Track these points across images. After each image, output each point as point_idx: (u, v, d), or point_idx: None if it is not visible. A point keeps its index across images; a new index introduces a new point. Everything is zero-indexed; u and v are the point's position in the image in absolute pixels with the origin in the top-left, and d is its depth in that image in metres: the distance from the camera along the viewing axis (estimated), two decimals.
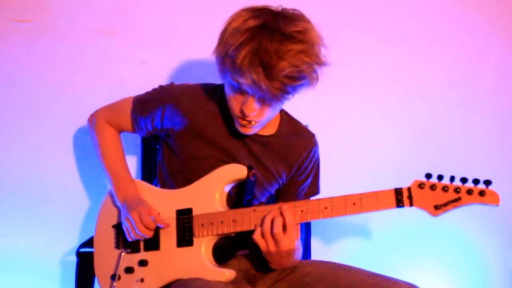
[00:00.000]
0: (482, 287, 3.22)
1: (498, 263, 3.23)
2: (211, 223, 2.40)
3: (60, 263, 3.17)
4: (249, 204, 2.45)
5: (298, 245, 2.38)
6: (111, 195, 2.62)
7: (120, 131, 2.70)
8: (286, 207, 2.30)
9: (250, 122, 2.39)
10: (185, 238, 2.44)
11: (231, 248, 2.51)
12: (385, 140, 3.24)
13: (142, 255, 2.50)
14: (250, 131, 2.44)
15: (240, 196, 2.46)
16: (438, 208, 2.15)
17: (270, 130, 2.57)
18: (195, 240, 2.42)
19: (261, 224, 2.31)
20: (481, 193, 2.11)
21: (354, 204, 2.24)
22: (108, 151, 2.66)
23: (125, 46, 3.19)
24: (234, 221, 2.38)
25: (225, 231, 2.39)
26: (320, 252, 3.00)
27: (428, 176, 2.17)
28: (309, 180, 2.65)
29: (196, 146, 2.52)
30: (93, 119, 2.72)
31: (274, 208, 2.32)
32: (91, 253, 2.64)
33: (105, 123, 2.68)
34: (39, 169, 3.17)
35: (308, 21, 2.32)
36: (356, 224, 3.18)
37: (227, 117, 2.50)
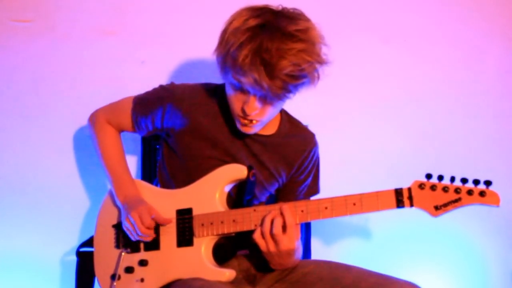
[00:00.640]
0: (482, 287, 3.22)
1: (498, 263, 3.23)
2: (211, 223, 2.40)
3: (60, 263, 3.17)
4: (249, 204, 2.45)
5: (298, 245, 2.38)
6: (111, 195, 2.62)
7: (120, 131, 2.70)
8: (286, 207, 2.30)
9: (251, 121, 2.39)
10: (185, 238, 2.44)
11: (231, 248, 2.52)
12: (385, 140, 3.24)
13: (142, 255, 2.50)
14: (251, 130, 2.44)
15: (240, 196, 2.46)
16: (439, 208, 2.15)
17: (270, 130, 2.57)
18: (195, 240, 2.42)
19: (261, 224, 2.31)
20: (482, 193, 2.11)
21: (354, 204, 2.24)
22: (108, 151, 2.66)
23: (125, 46, 3.19)
24: (234, 221, 2.38)
25: (225, 231, 2.38)
26: (320, 252, 3.00)
27: (429, 176, 2.17)
28: (309, 180, 2.65)
29: (197, 146, 2.52)
30: (93, 119, 2.71)
31: (274, 208, 2.32)
32: (91, 253, 2.64)
33: (105, 123, 2.68)
34: (39, 169, 3.18)
35: (308, 20, 2.32)
36: (356, 224, 3.18)
37: (228, 117, 2.50)
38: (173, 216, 2.47)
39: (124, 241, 2.53)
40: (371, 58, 3.24)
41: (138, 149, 3.00)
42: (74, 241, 3.11)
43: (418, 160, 3.18)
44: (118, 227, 2.57)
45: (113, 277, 2.51)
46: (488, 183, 2.11)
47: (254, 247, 2.38)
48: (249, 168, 2.41)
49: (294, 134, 2.61)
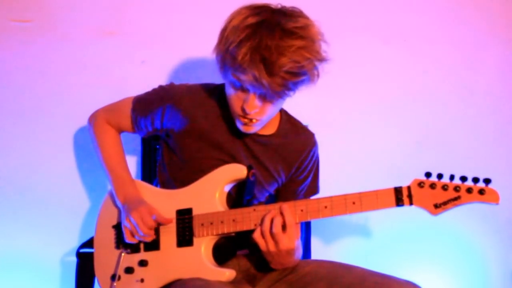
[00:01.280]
0: (482, 287, 3.22)
1: (498, 263, 3.23)
2: (211, 223, 2.40)
3: (60, 264, 3.17)
4: (249, 203, 2.45)
5: (298, 244, 2.39)
6: (111, 195, 2.62)
7: (120, 131, 2.70)
8: (286, 206, 2.30)
9: (251, 120, 2.39)
10: (185, 238, 2.44)
11: (231, 248, 2.51)
12: (385, 140, 3.24)
13: (142, 255, 2.50)
14: (251, 129, 2.44)
15: (240, 196, 2.46)
16: (438, 206, 2.15)
17: (270, 130, 2.57)
18: (195, 240, 2.42)
19: (261, 224, 2.30)
20: (481, 191, 2.11)
21: (354, 203, 2.24)
22: (108, 152, 2.66)
23: (125, 46, 3.20)
24: (234, 220, 2.37)
25: (225, 231, 2.38)
26: (320, 251, 3.00)
27: (428, 175, 2.17)
28: (309, 179, 2.65)
29: (196, 146, 2.52)
30: (93, 119, 2.71)
31: (274, 208, 2.32)
32: (91, 254, 2.64)
33: (105, 123, 2.68)
34: (39, 169, 3.18)
35: (307, 17, 2.32)
36: (356, 224, 3.18)
37: (227, 117, 2.50)
38: (173, 216, 2.47)
39: (124, 242, 2.52)
40: (371, 58, 3.25)
41: (138, 149, 3.01)
42: (74, 241, 3.11)
43: (418, 160, 3.18)
44: (118, 227, 2.57)
45: (113, 277, 2.51)
46: (487, 181, 2.11)
47: (254, 247, 2.38)
48: (249, 168, 2.41)
49: (294, 134, 2.61)
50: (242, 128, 2.43)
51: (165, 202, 2.51)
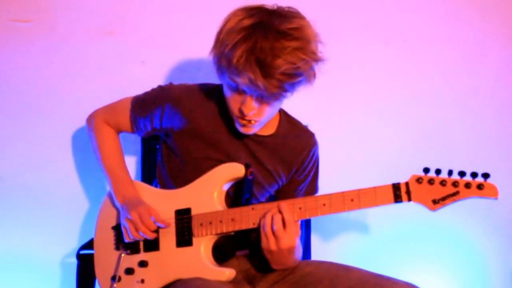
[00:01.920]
0: (482, 287, 3.21)
1: (498, 263, 3.22)
2: (210, 223, 2.40)
3: (61, 265, 3.17)
4: (248, 203, 2.44)
5: (298, 243, 2.38)
6: (110, 196, 2.62)
7: (119, 131, 2.70)
8: (284, 204, 2.30)
9: (249, 121, 2.38)
10: (184, 238, 2.44)
11: (231, 247, 2.51)
12: (385, 140, 3.24)
13: (142, 256, 2.50)
14: (250, 130, 2.44)
15: (238, 195, 2.45)
16: (437, 202, 2.14)
17: (269, 130, 2.57)
18: (195, 240, 2.42)
19: (261, 222, 2.30)
20: (480, 186, 2.10)
21: (352, 200, 2.24)
22: (107, 152, 2.67)
23: (125, 46, 3.20)
24: (233, 219, 2.37)
25: (224, 230, 2.38)
26: (320, 251, 2.99)
27: (426, 170, 2.17)
28: (308, 179, 2.65)
29: (195, 146, 2.52)
30: (92, 119, 2.72)
31: (272, 206, 2.32)
32: (92, 255, 2.64)
33: (104, 124, 2.68)
34: (39, 170, 3.18)
35: (303, 18, 2.32)
36: (356, 225, 3.18)
37: (226, 117, 2.50)
38: (172, 216, 2.47)
39: (124, 243, 2.53)
40: (371, 58, 3.24)
41: (137, 149, 3.01)
42: (74, 242, 3.11)
43: (417, 159, 3.12)
44: (117, 228, 2.57)
45: (114, 278, 2.51)
46: (486, 175, 2.10)
47: (254, 247, 2.38)
48: (247, 167, 2.40)
49: (293, 134, 2.61)
50: (241, 129, 2.44)
51: (164, 202, 2.51)
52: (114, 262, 2.55)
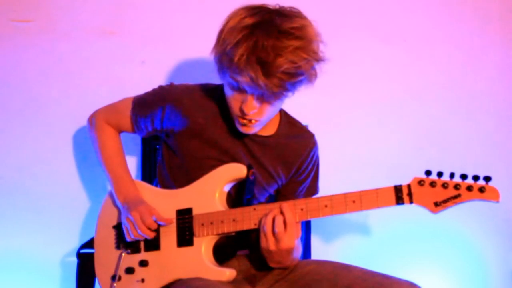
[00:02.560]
0: (482, 287, 3.22)
1: (498, 263, 3.23)
2: (211, 223, 2.40)
3: (61, 264, 3.17)
4: (249, 203, 2.44)
5: (297, 244, 2.39)
6: (111, 195, 2.62)
7: (119, 131, 2.70)
8: (286, 205, 2.30)
9: (250, 121, 2.38)
10: (185, 238, 2.44)
11: (232, 247, 2.50)
12: (385, 140, 3.24)
13: (143, 255, 2.50)
14: (251, 130, 2.43)
15: (240, 195, 2.45)
16: (438, 205, 2.15)
17: (270, 131, 2.56)
18: (196, 239, 2.42)
19: (263, 223, 2.30)
20: (481, 189, 2.11)
21: (353, 201, 2.24)
22: (108, 152, 2.66)
23: (125, 46, 3.19)
24: (234, 220, 2.37)
25: (225, 231, 2.38)
26: (320, 251, 3.00)
27: (428, 173, 2.17)
28: (309, 180, 2.64)
29: (196, 146, 2.52)
30: (93, 119, 2.72)
31: (274, 207, 2.32)
32: (92, 254, 2.64)
33: (105, 124, 2.68)
34: (39, 170, 3.18)
35: (305, 17, 2.32)
36: (356, 224, 3.18)
37: (227, 117, 2.50)
38: (173, 216, 2.47)
39: (124, 242, 2.53)
40: (371, 58, 3.24)
41: (138, 150, 3.01)
42: (74, 242, 3.11)
43: (418, 160, 3.18)
44: (118, 227, 2.57)
45: (114, 278, 2.51)
46: (487, 179, 2.11)
47: (254, 246, 2.38)
48: (249, 167, 2.41)
49: (293, 135, 2.61)
50: (241, 129, 2.43)
51: (165, 202, 2.51)
52: (114, 261, 2.54)
